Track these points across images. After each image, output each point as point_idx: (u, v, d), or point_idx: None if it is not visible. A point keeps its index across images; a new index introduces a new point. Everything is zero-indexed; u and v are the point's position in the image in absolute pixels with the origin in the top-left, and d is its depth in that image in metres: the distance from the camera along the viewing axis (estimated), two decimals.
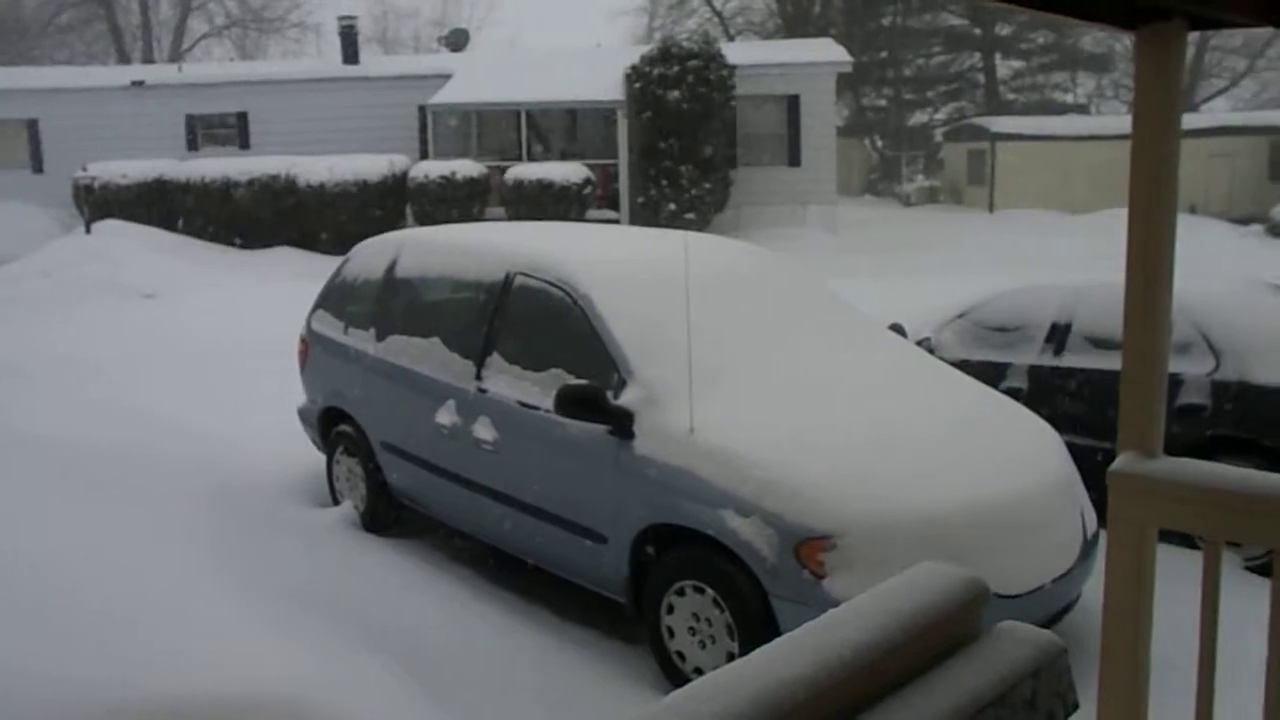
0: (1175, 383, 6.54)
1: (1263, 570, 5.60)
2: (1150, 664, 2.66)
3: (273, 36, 46.92)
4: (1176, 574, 2.76)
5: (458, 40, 34.83)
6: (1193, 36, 2.66)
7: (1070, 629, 4.76)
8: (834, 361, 5.49)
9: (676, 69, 21.65)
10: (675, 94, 21.49)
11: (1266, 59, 42.43)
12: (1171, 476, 2.56)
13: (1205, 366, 6.65)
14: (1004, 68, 42.81)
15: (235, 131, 25.93)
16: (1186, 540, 4.05)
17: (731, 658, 3.94)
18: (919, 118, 44.11)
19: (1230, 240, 22.67)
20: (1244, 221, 25.37)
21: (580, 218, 20.87)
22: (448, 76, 24.40)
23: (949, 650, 1.70)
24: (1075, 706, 1.79)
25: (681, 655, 4.74)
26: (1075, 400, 7.05)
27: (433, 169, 21.67)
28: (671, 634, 4.77)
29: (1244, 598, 2.68)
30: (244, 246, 21.73)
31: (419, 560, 6.11)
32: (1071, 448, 5.41)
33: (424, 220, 20.41)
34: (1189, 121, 28.60)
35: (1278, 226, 24.34)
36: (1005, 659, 1.70)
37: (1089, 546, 4.91)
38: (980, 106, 40.90)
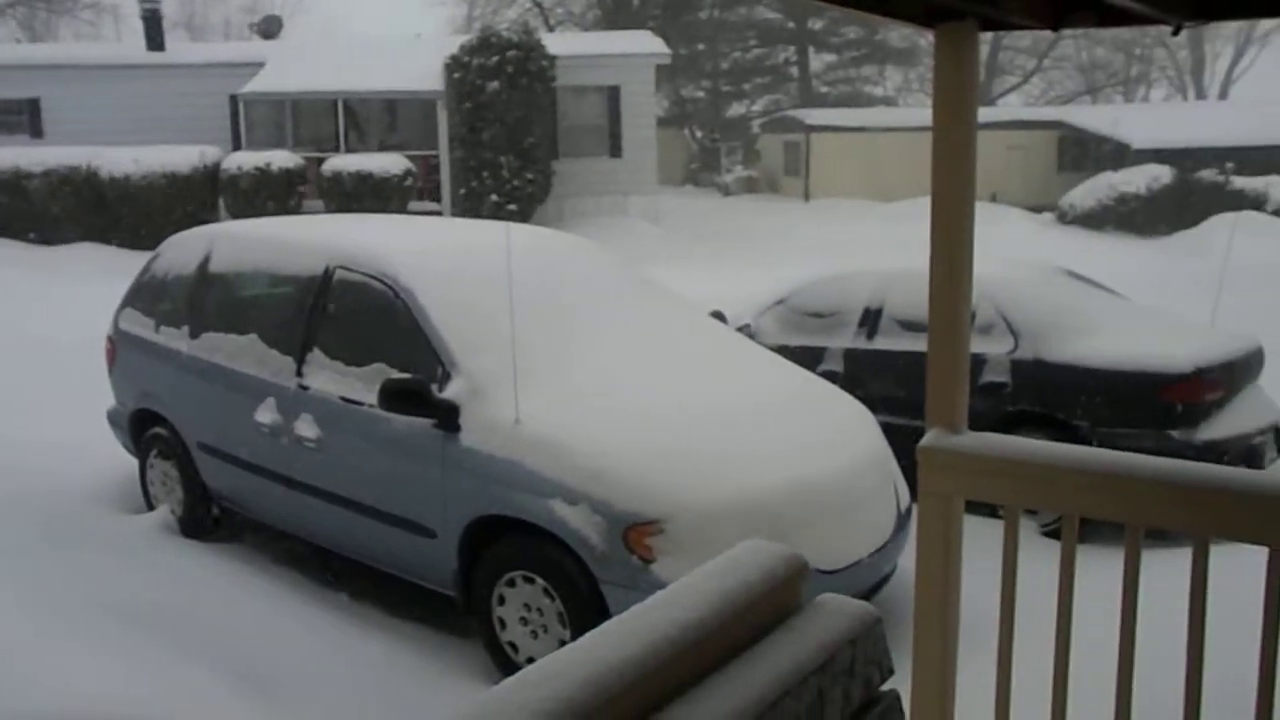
0: (978, 362, 6.91)
1: (1058, 534, 5.97)
2: (959, 626, 2.82)
3: (64, 18, 44.25)
4: (985, 542, 2.92)
5: (270, 27, 33.65)
6: (988, 36, 2.82)
7: (888, 598, 4.98)
8: (657, 349, 5.57)
9: (496, 59, 21.48)
10: (495, 84, 21.32)
11: (1052, 59, 45.12)
12: (975, 450, 2.71)
13: (1005, 346, 7.04)
14: (817, 61, 44.10)
15: (25, 119, 24.31)
16: (992, 510, 4.29)
17: (564, 646, 3.97)
18: (737, 109, 45.03)
19: (1027, 227, 23.97)
20: (1038, 209, 26.88)
21: (401, 210, 20.50)
22: (260, 64, 23.54)
23: (772, 624, 1.76)
24: (891, 671, 1.88)
25: (514, 646, 4.75)
26: (888, 381, 7.36)
27: (246, 160, 20.90)
28: (503, 625, 4.77)
29: (1043, 561, 2.86)
30: (41, 243, 20.48)
31: (242, 564, 5.92)
32: (885, 426, 5.64)
33: (238, 213, 19.66)
34: (987, 115, 30.13)
35: (1066, 214, 25.89)
36: (825, 630, 1.77)
37: (903, 520, 5.14)
38: (795, 99, 42.02)
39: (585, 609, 4.40)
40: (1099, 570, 3.24)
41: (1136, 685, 2.56)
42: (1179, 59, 48.30)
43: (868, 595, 4.78)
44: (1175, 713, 2.52)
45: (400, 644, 5.04)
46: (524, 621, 4.70)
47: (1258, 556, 2.42)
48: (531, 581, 4.63)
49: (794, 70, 44.14)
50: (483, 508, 4.74)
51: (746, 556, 1.84)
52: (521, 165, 21.65)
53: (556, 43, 23.83)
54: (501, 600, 4.75)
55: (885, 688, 1.87)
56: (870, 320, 7.73)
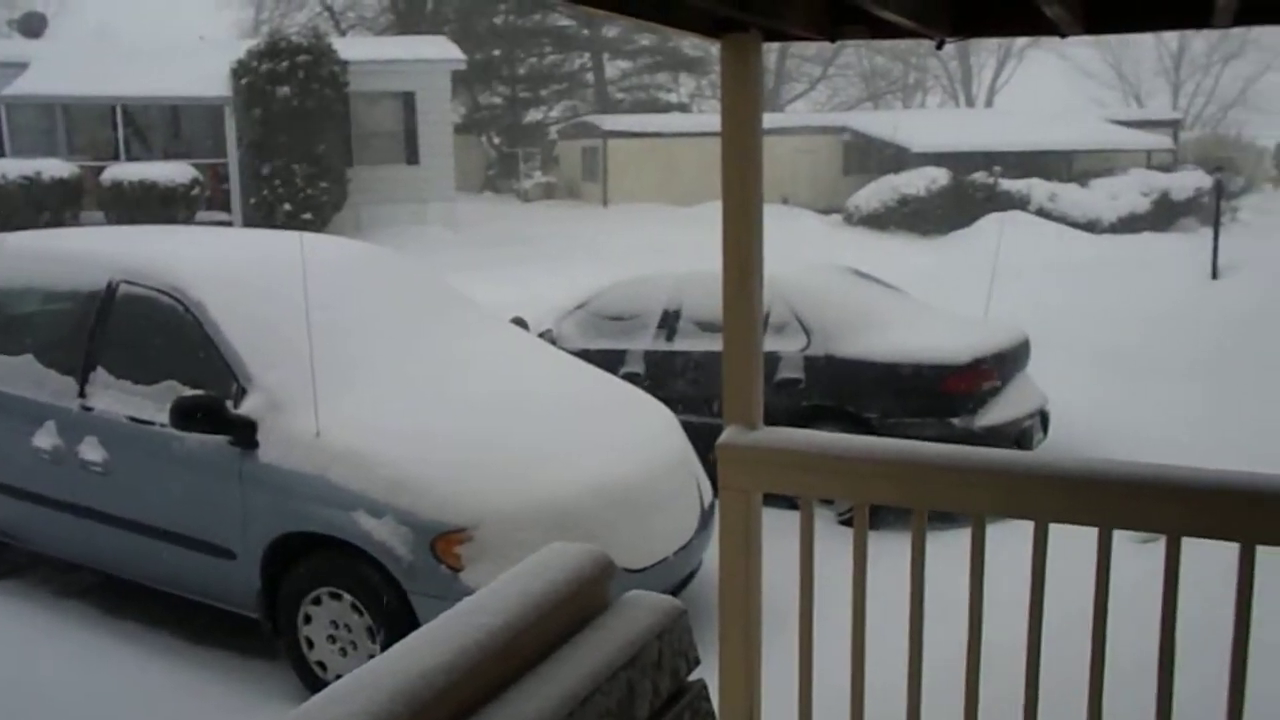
0: (774, 360, 7.16)
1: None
2: (761, 615, 2.93)
3: None
4: (786, 533, 3.04)
5: (32, 25, 31.61)
6: (775, 45, 2.94)
7: (695, 592, 5.10)
8: (459, 357, 5.54)
9: (286, 64, 20.84)
10: (285, 90, 20.68)
11: (836, 67, 47.06)
12: (771, 445, 2.82)
13: (799, 344, 7.31)
14: (612, 68, 44.57)
15: None
16: (792, 502, 4.46)
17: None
18: (534, 115, 45.01)
19: (817, 228, 24.92)
20: (827, 211, 27.97)
21: (189, 220, 19.64)
22: (24, 65, 22.11)
23: (581, 623, 1.80)
24: (697, 661, 1.94)
25: (323, 665, 4.63)
26: (688, 381, 7.54)
27: (12, 168, 19.60)
28: (311, 645, 4.64)
29: (841, 548, 2.99)
30: None
31: (23, 600, 5.56)
32: (687, 426, 5.78)
33: (5, 226, 18.41)
34: (777, 120, 31.13)
35: (853, 215, 27.05)
36: (632, 626, 1.81)
37: (707, 516, 5.27)
38: (592, 105, 42.37)
39: (395, 622, 4.34)
40: (898, 553, 3.41)
41: (927, 652, 2.73)
42: (950, 69, 51.13)
43: (675, 591, 4.88)
44: (960, 676, 2.70)
45: (203, 672, 4.84)
46: (332, 639, 4.59)
47: (1029, 532, 2.62)
48: (338, 598, 4.53)
49: (590, 77, 44.49)
50: (285, 525, 4.61)
51: (553, 559, 1.86)
52: (315, 173, 21.08)
53: (349, 47, 23.30)
54: (308, 619, 4.62)
55: (693, 678, 1.93)
56: (669, 322, 7.89)
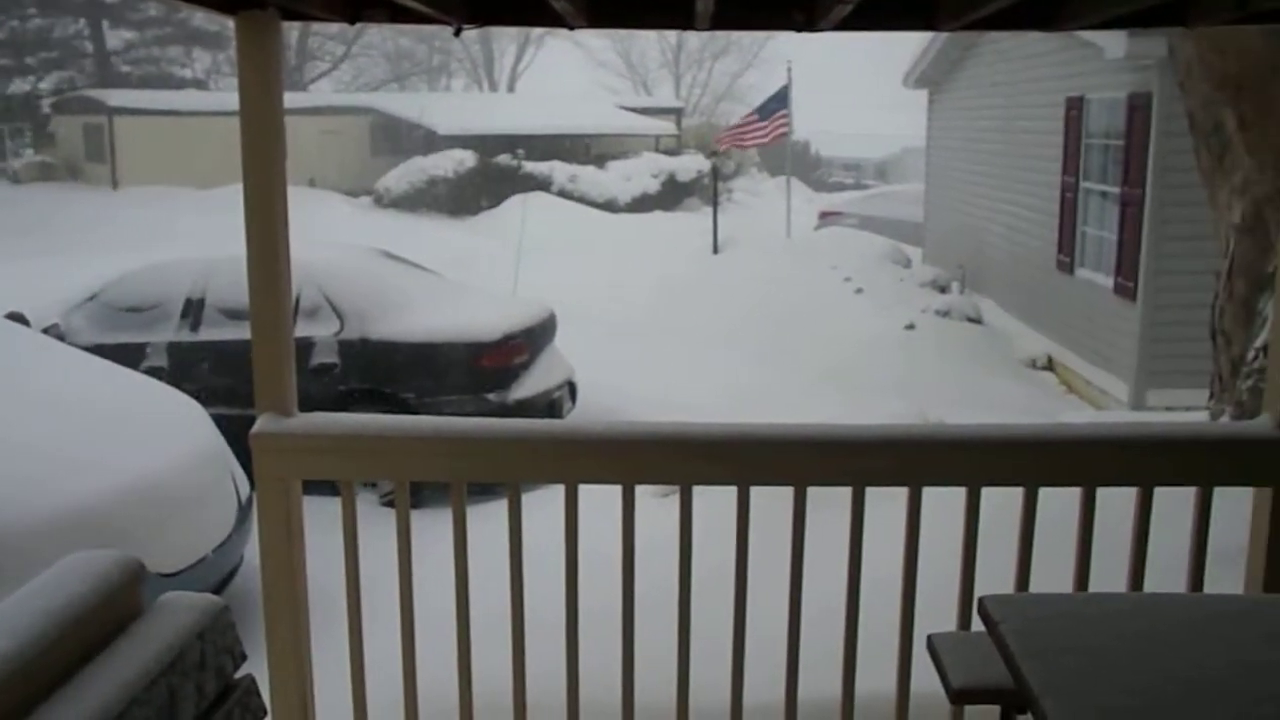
0: (307, 345, 7.00)
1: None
2: (309, 605, 2.88)
3: None
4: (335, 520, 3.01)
5: None
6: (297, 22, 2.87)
7: (242, 588, 4.90)
8: None
9: None
10: None
11: (360, 46, 46.33)
12: (307, 431, 2.78)
13: (332, 328, 7.20)
14: (115, 38, 40.84)
15: None
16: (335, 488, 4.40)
17: None
18: (20, 86, 40.28)
19: (346, 211, 24.48)
20: (355, 194, 27.57)
21: None
22: None
23: (113, 633, 1.70)
24: (244, 657, 1.90)
25: None
26: (217, 372, 7.17)
27: None
28: None
29: (388, 530, 3.01)
30: None
31: None
32: (220, 418, 5.51)
33: None
34: (301, 100, 30.17)
35: (383, 197, 26.89)
36: (170, 629, 1.74)
37: (245, 510, 5.08)
38: (92, 77, 38.60)
39: None
40: (443, 530, 3.48)
41: (475, 617, 2.83)
42: (474, 54, 52.11)
43: (218, 589, 4.67)
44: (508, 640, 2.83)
45: None
46: None
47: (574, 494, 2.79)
48: None
49: (88, 45, 40.51)
50: None
51: (74, 570, 1.74)
52: None
53: None
54: None
55: (240, 674, 1.88)
56: (193, 311, 7.46)
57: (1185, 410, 8.20)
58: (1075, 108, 11.20)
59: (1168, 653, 1.73)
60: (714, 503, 2.96)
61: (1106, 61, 9.72)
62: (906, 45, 17.69)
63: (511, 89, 52.28)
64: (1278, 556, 2.75)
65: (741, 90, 49.26)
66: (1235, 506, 2.89)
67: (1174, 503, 2.89)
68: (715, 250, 19.53)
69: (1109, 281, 10.25)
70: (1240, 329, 5.89)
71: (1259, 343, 5.50)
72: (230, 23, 2.65)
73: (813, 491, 2.78)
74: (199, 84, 41.68)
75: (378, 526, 3.32)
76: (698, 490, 2.80)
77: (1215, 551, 2.86)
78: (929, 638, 2.39)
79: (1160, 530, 2.85)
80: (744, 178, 34.11)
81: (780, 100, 21.91)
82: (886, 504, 2.98)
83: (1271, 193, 5.06)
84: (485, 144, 27.82)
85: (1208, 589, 2.81)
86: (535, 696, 2.91)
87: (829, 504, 2.90)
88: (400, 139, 30.63)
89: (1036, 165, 12.35)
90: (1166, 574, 2.91)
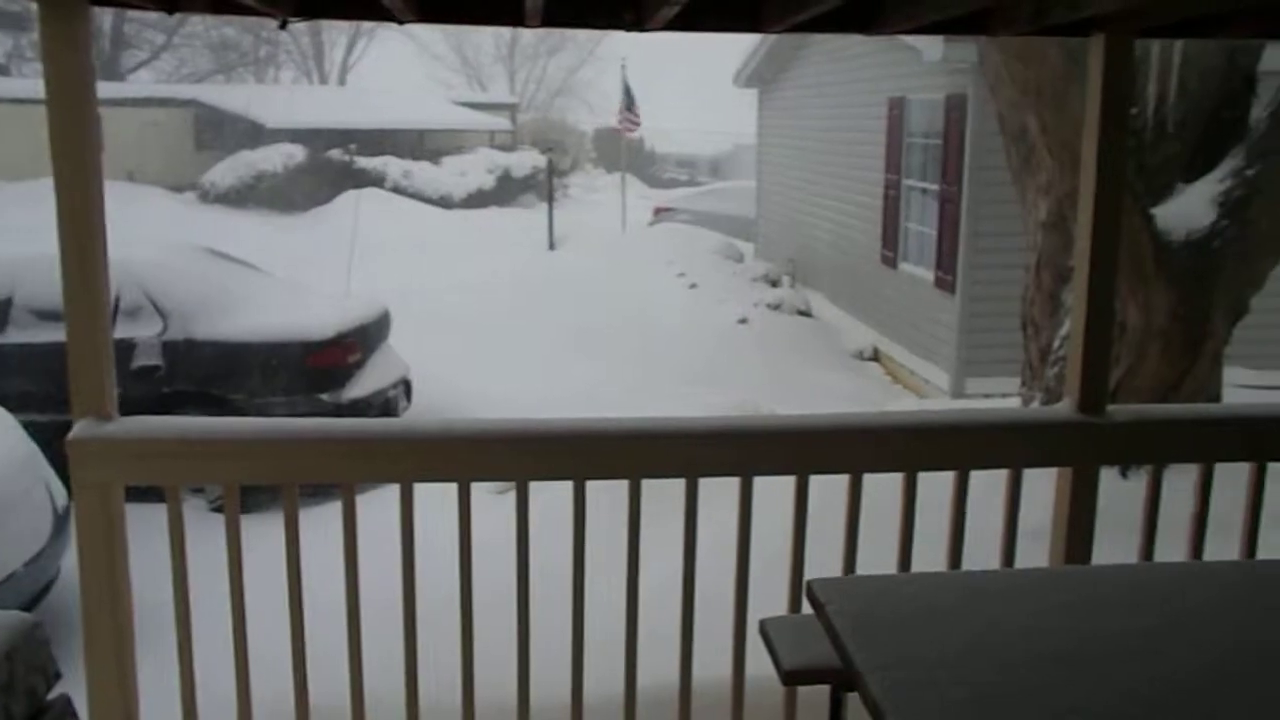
0: (128, 347, 6.71)
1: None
2: (134, 618, 2.78)
3: None
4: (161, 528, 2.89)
5: None
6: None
7: (57, 602, 4.67)
8: None
9: None
10: None
11: (181, 36, 44.43)
12: (129, 436, 2.68)
13: (155, 329, 6.92)
14: None
15: None
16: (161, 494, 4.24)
17: None
18: None
19: (169, 206, 23.50)
20: (179, 188, 26.49)
21: None
22: None
23: None
24: (58, 676, 1.82)
25: None
26: (29, 377, 6.80)
27: None
28: None
29: (218, 537, 2.91)
30: None
31: None
32: (32, 425, 5.24)
33: None
34: (119, 91, 28.75)
35: (208, 192, 25.92)
36: None
37: (62, 520, 4.84)
38: None
39: None
40: (275, 534, 3.39)
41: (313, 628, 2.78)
42: (303, 45, 50.66)
43: (32, 605, 4.44)
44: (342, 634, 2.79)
45: None
46: None
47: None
48: None
49: None
50: None
51: None
52: None
53: None
54: None
55: (54, 694, 1.81)
56: (0, 312, 7.06)
57: (1001, 397, 8.63)
58: (897, 108, 11.64)
59: (980, 623, 1.83)
60: (554, 499, 2.98)
61: (925, 65, 10.14)
62: (738, 44, 18.08)
63: (342, 82, 51.04)
64: (1077, 531, 2.94)
65: (577, 86, 49.40)
66: (1046, 485, 3.07)
67: (989, 486, 3.06)
68: (551, 247, 19.55)
69: (930, 275, 10.69)
70: (1047, 319, 6.25)
71: (1063, 332, 5.84)
72: (33, 5, 2.53)
73: (649, 484, 2.83)
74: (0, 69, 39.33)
75: (206, 533, 3.22)
76: (535, 486, 2.81)
77: (1028, 529, 3.04)
78: (761, 622, 2.46)
79: (977, 511, 3.01)
80: (580, 174, 34.24)
81: (630, 100, 22.27)
82: (721, 494, 3.05)
83: (1071, 192, 5.36)
84: (315, 138, 27.11)
85: (1019, 563, 2.98)
86: (376, 698, 2.87)
87: (666, 496, 2.96)
88: (225, 132, 29.51)
89: (861, 163, 12.78)
90: (983, 552, 3.07)
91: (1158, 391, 5.64)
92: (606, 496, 2.87)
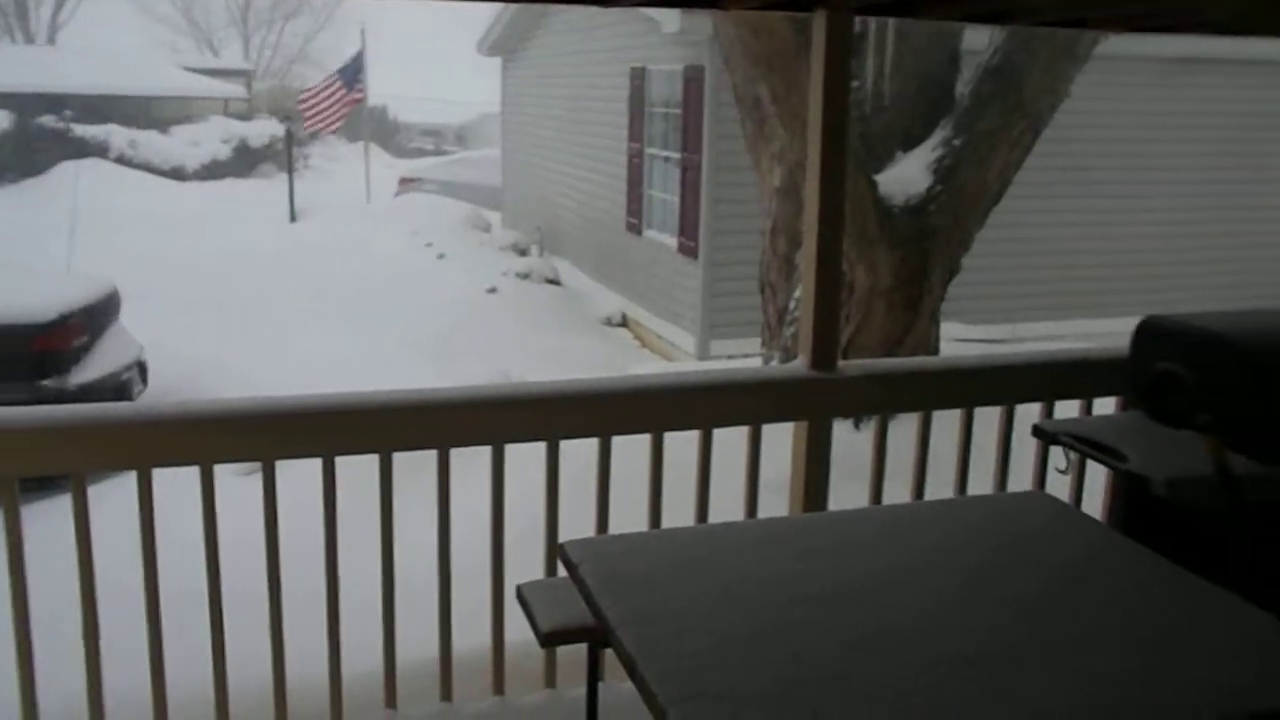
0: None
1: None
2: None
3: None
4: None
5: None
6: None
7: None
8: None
9: None
10: None
11: None
12: None
13: None
14: None
15: None
16: None
17: None
18: None
19: None
20: None
21: None
22: None
23: None
24: None
25: None
26: None
27: None
28: None
29: None
30: None
31: None
32: None
33: None
34: None
35: None
36: None
37: None
38: None
39: None
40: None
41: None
42: (3, 2, 46.50)
43: None
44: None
45: None
46: None
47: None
48: None
49: None
50: None
51: None
52: None
53: None
54: None
55: None
56: None
57: (744, 357, 9.00)
58: (639, 78, 11.84)
59: (725, 573, 1.93)
60: (303, 475, 2.92)
61: (664, 36, 10.36)
62: (481, 12, 17.88)
63: (52, 41, 47.22)
64: (815, 481, 3.13)
65: (315, 53, 47.52)
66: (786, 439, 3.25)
67: (734, 442, 3.21)
68: (293, 219, 18.87)
69: (674, 241, 10.98)
70: (783, 282, 6.57)
71: (797, 294, 6.16)
72: None
73: (413, 458, 2.82)
74: None
75: None
76: (283, 464, 2.74)
77: (769, 482, 3.21)
78: (518, 588, 2.50)
79: (723, 467, 3.15)
80: (321, 144, 33.03)
81: (358, 67, 21.46)
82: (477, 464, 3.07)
83: (802, 160, 5.64)
84: (24, 104, 24.95)
85: (762, 514, 3.14)
86: (118, 697, 2.74)
87: (421, 468, 2.96)
88: None
89: (606, 132, 12.95)
90: (730, 506, 3.22)
91: (884, 347, 6.05)
92: (358, 472, 2.83)
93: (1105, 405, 3.42)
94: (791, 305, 6.35)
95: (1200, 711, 1.54)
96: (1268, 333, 2.67)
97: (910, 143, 6.31)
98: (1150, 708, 1.55)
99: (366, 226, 16.54)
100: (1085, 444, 2.67)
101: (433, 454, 2.84)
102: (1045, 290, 11.11)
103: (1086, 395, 3.46)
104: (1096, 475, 3.22)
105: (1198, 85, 11.11)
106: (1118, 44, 6.39)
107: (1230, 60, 10.91)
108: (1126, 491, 2.81)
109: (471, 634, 3.06)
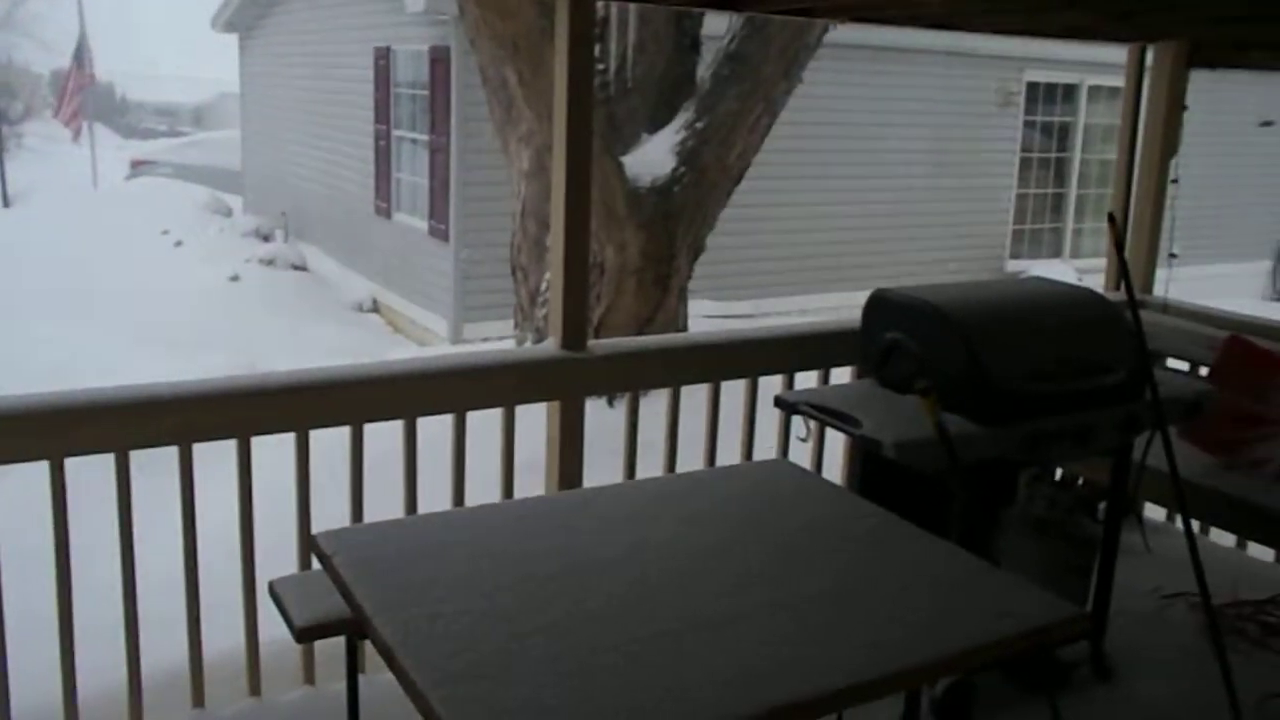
0: None
1: None
2: None
3: None
4: None
5: None
6: None
7: None
8: None
9: None
10: None
11: None
12: None
13: None
14: None
15: None
16: None
17: None
18: None
19: None
20: None
21: None
22: None
23: None
24: None
25: None
26: None
27: None
28: None
29: None
30: None
31: None
32: None
33: None
34: None
35: None
36: None
37: None
38: None
39: None
40: None
41: None
42: None
43: None
44: None
45: None
46: None
47: None
48: None
49: None
50: None
51: None
52: None
53: None
54: None
55: None
56: None
57: (498, 340, 8.99)
58: (384, 58, 11.58)
59: (479, 554, 1.95)
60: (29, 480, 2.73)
61: (409, 15, 10.16)
62: None
63: None
64: (569, 459, 3.18)
65: (23, 21, 43.76)
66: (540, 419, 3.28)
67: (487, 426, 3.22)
68: (6, 204, 17.44)
69: (424, 225, 10.83)
70: (535, 264, 6.61)
71: (549, 276, 6.21)
72: None
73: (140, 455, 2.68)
74: None
75: None
76: (4, 470, 2.55)
77: (525, 462, 3.24)
78: (270, 584, 2.43)
79: (479, 450, 3.15)
80: (38, 121, 30.60)
81: (83, 45, 20.01)
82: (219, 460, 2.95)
83: (550, 142, 5.70)
84: None
85: (518, 494, 3.17)
86: None
87: (159, 469, 2.82)
88: None
89: (351, 113, 12.60)
90: (486, 488, 3.22)
91: (635, 325, 6.19)
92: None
93: (842, 375, 3.63)
94: (543, 287, 6.40)
95: (918, 641, 1.68)
96: (976, 305, 2.91)
97: (655, 125, 6.46)
98: (868, 645, 1.67)
99: (95, 212, 15.48)
100: (823, 412, 2.83)
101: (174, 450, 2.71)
102: (786, 267, 11.62)
103: (824, 366, 3.66)
104: (836, 441, 3.41)
105: (915, 74, 11.87)
106: (846, 33, 6.75)
107: (944, 51, 11.70)
108: (862, 455, 3.00)
109: (227, 635, 2.95)
